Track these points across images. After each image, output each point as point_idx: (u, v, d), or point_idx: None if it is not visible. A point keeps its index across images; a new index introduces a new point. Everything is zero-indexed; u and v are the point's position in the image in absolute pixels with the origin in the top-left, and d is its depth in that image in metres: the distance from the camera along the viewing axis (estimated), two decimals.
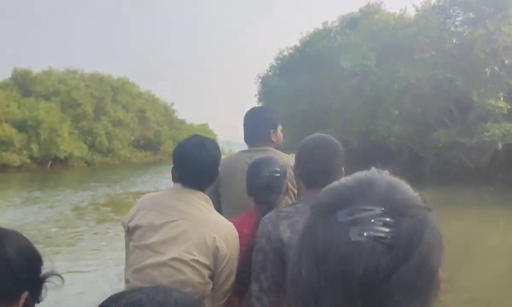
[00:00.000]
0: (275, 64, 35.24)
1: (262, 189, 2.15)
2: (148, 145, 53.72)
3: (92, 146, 44.88)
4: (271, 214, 1.91)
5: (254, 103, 38.67)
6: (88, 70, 64.75)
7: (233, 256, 2.01)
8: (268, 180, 2.14)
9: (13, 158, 36.26)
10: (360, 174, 0.67)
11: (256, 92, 37.10)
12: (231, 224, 2.06)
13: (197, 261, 1.91)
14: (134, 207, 2.10)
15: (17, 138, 36.60)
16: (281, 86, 32.08)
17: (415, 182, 0.72)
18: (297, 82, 29.69)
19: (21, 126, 37.57)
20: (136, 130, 51.21)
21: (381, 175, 0.66)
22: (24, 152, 37.58)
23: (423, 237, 0.60)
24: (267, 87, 35.16)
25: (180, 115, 68.24)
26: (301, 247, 0.64)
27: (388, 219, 0.59)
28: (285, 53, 34.69)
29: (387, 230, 0.58)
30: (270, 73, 35.72)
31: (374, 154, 27.00)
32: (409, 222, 0.60)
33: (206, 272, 1.94)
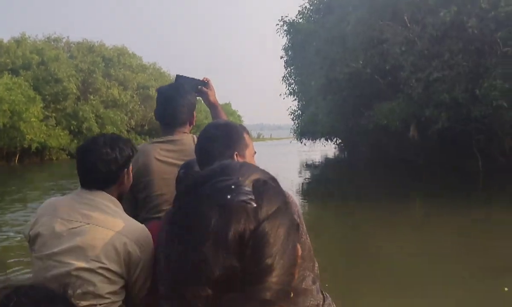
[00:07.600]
0: (308, 5, 24.15)
1: None
2: (154, 130, 43.27)
3: (78, 134, 34.90)
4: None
5: (281, 68, 27.71)
6: (75, 38, 54.75)
7: (147, 261, 1.84)
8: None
9: None
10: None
11: (282, 49, 26.30)
12: (143, 226, 1.89)
13: (107, 269, 1.73)
14: (34, 214, 1.88)
15: None
16: (318, 36, 21.05)
17: None
18: (343, 26, 18.28)
19: None
20: (138, 112, 41.16)
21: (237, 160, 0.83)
22: None
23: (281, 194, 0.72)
24: (297, 37, 24.21)
25: None
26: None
27: (245, 183, 0.69)
28: None
29: (248, 192, 0.68)
30: (300, 19, 24.64)
31: (471, 138, 15.79)
32: (268, 186, 0.71)
33: (118, 281, 1.77)
